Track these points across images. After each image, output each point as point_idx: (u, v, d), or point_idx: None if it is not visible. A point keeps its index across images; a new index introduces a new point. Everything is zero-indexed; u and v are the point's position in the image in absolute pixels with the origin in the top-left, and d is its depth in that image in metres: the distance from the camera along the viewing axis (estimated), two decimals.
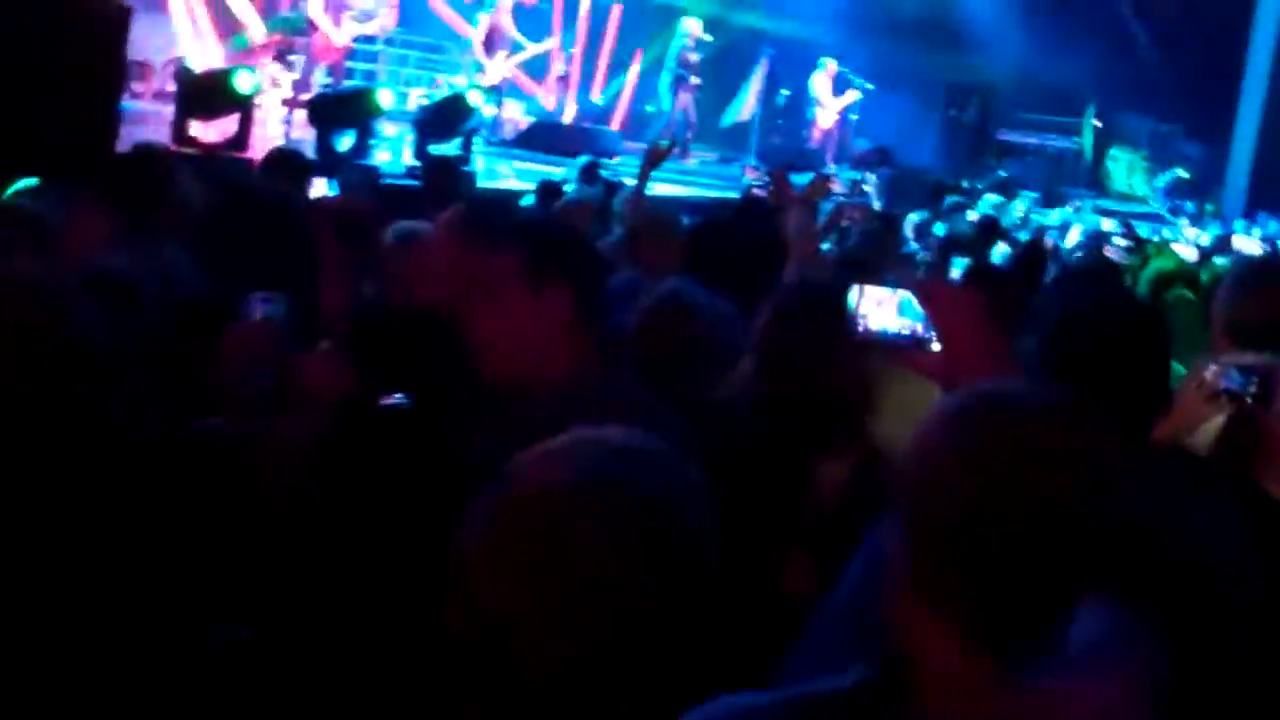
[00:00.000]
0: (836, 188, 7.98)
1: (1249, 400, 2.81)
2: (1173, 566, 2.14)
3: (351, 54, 14.18)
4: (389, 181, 8.96)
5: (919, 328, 2.27)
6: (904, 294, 2.30)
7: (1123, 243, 7.47)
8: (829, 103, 17.55)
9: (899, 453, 1.64)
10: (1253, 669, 2.19)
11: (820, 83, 17.49)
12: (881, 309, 2.32)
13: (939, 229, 9.57)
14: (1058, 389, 1.77)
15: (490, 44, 14.39)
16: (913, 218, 9.86)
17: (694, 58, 15.71)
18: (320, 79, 13.38)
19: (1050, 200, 15.76)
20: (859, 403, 2.80)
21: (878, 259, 5.35)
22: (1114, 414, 2.29)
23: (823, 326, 2.72)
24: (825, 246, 6.51)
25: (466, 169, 9.89)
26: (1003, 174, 16.33)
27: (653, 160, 5.74)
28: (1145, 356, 2.43)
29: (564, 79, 15.87)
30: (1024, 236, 9.23)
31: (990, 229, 8.39)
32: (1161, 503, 2.21)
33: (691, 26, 15.85)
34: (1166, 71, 19.44)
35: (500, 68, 14.56)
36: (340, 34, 13.38)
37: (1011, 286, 4.59)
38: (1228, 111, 18.87)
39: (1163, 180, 18.09)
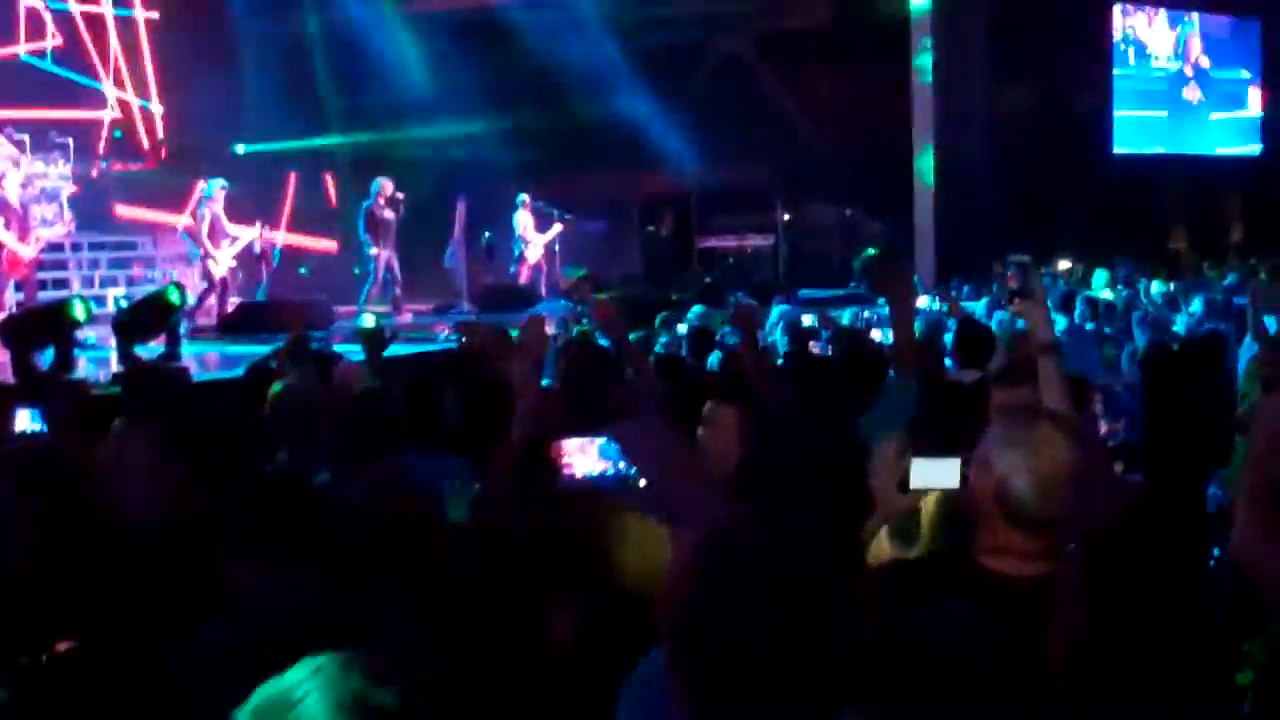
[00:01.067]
0: (551, 329, 8.09)
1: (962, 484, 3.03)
2: (911, 671, 2.27)
3: (40, 265, 13.84)
4: (97, 394, 8.66)
5: (621, 467, 2.37)
6: (602, 439, 2.40)
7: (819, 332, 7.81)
8: (533, 238, 17.91)
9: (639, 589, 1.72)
10: None
11: (522, 219, 17.84)
12: (584, 454, 2.40)
13: (660, 344, 9.78)
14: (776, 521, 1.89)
15: (214, 234, 14.39)
16: (631, 337, 10.07)
17: (387, 214, 15.80)
18: (11, 297, 12.98)
19: (756, 299, 16.35)
20: (577, 549, 2.87)
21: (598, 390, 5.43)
22: (827, 526, 2.43)
23: (530, 486, 2.77)
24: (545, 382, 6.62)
25: (176, 365, 9.67)
26: (708, 280, 16.86)
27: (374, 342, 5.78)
28: (844, 473, 2.55)
29: (260, 257, 15.73)
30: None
31: (701, 339, 8.62)
32: (890, 614, 2.37)
33: (383, 186, 15.96)
34: (841, 159, 20.52)
35: (226, 257, 14.57)
36: (27, 248, 13.05)
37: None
38: (905, 187, 19.92)
39: (858, 261, 18.94)
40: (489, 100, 19.52)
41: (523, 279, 17.81)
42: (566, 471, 2.49)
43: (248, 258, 15.28)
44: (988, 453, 2.78)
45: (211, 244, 14.43)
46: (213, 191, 14.64)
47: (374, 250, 15.84)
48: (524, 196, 17.98)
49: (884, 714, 1.93)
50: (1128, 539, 3.08)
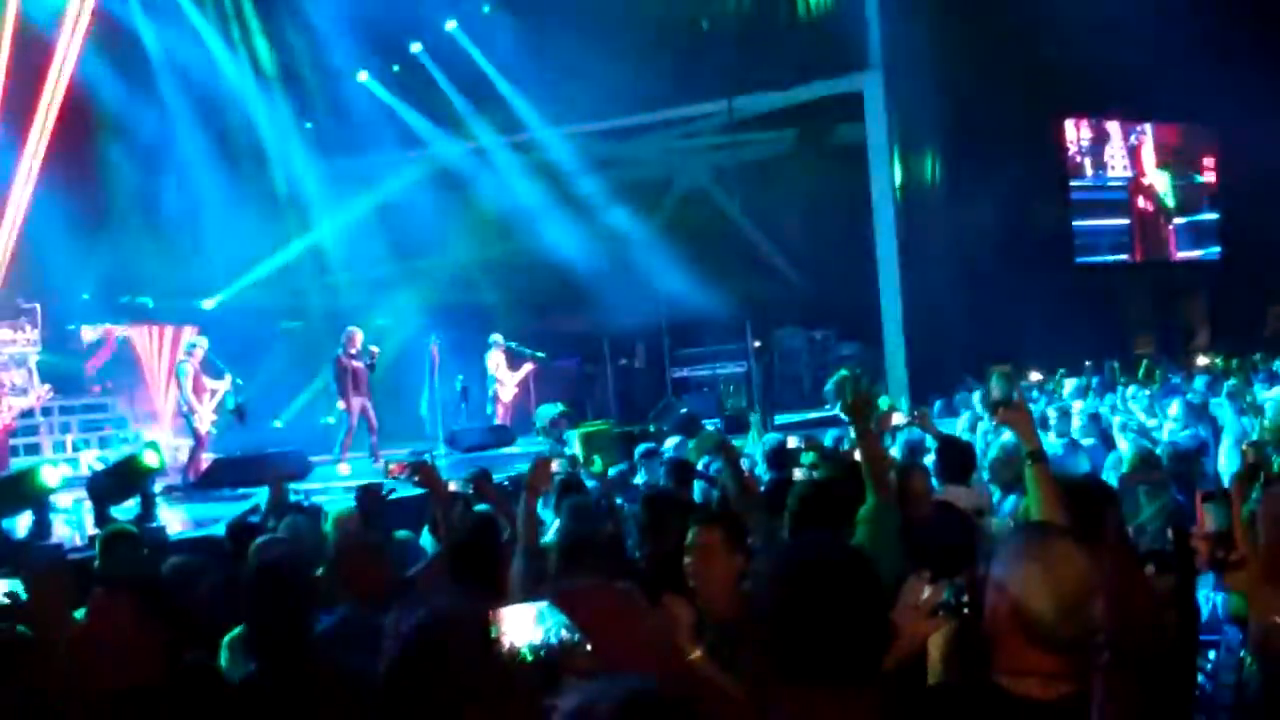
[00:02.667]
0: (556, 467, 8.04)
1: (964, 610, 2.94)
2: None
3: (13, 432, 13.77)
4: (73, 557, 8.53)
5: (563, 633, 2.25)
6: (540, 604, 2.28)
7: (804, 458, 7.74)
8: (506, 378, 17.90)
9: None
10: None
11: (494, 359, 17.83)
12: (519, 623, 2.28)
13: (640, 478, 9.71)
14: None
15: (196, 391, 14.37)
16: (611, 473, 10.00)
17: (356, 364, 15.72)
18: None
19: (732, 426, 16.35)
20: None
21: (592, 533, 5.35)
22: (838, 663, 2.33)
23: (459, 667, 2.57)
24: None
25: (152, 525, 9.58)
26: (684, 410, 16.83)
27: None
28: (857, 605, 2.45)
29: (236, 410, 15.62)
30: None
31: (682, 470, 8.53)
32: None
33: (351, 335, 15.92)
34: (810, 285, 20.70)
35: (207, 412, 14.58)
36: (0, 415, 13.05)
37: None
38: (873, 308, 20.04)
39: (832, 383, 18.96)
40: (458, 243, 19.74)
41: (499, 419, 17.76)
42: (503, 641, 2.36)
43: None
44: (1003, 572, 2.70)
45: (196, 400, 14.36)
46: (193, 348, 14.60)
47: (345, 400, 15.75)
48: (496, 337, 18.01)
49: None
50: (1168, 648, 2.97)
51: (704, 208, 21.40)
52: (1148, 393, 12.59)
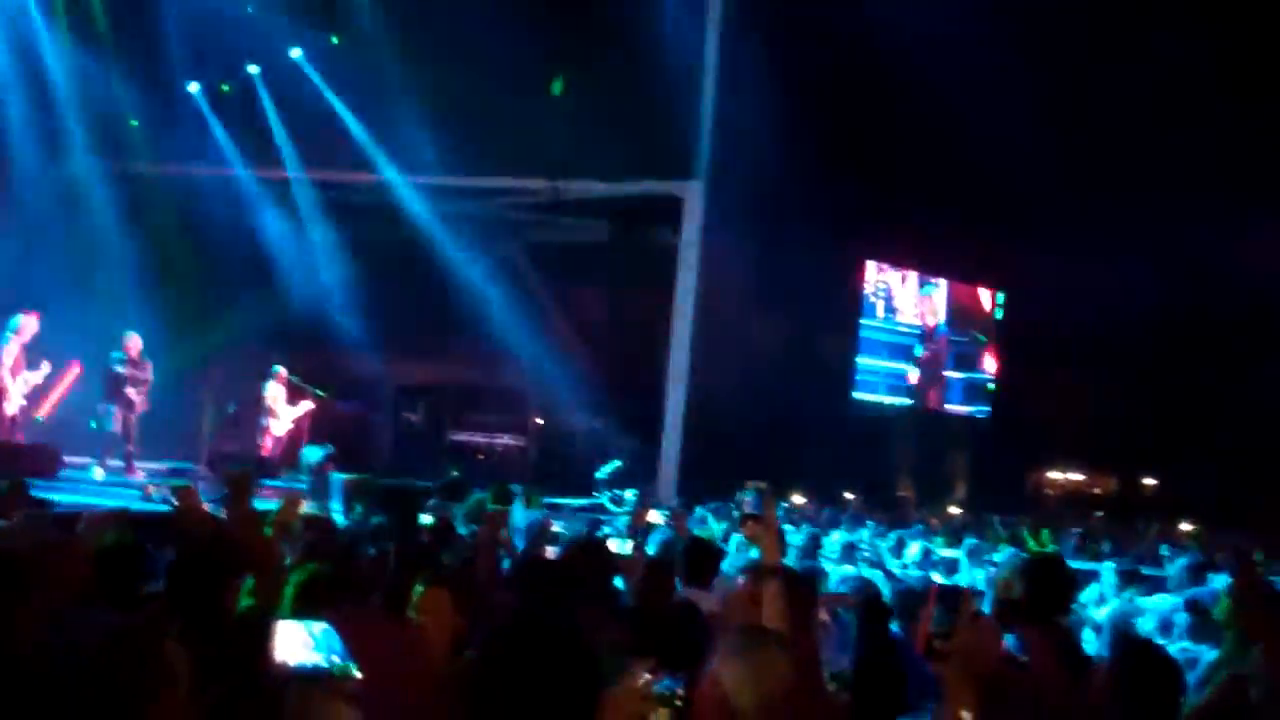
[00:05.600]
0: (303, 507, 8.00)
1: (678, 702, 3.13)
2: None
3: None
4: None
5: (336, 659, 2.32)
6: (320, 626, 2.35)
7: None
8: (282, 411, 17.64)
9: None
10: None
11: (273, 390, 17.58)
12: (298, 643, 2.34)
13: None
14: None
15: (13, 372, 14.23)
16: (372, 522, 9.98)
17: (125, 371, 15.34)
18: None
19: (501, 498, 16.39)
20: None
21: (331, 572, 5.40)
22: None
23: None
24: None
25: None
26: (455, 474, 16.82)
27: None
28: (561, 679, 2.55)
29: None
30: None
31: (443, 531, 8.60)
32: None
33: (129, 341, 15.54)
34: (598, 372, 20.99)
35: (18, 395, 14.43)
36: None
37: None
38: (657, 407, 20.38)
39: (604, 471, 19.18)
40: (252, 267, 19.47)
41: (265, 451, 17.47)
42: (278, 660, 2.42)
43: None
44: (716, 667, 2.90)
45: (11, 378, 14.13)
46: (15, 327, 14.17)
47: (109, 405, 15.34)
48: (279, 368, 17.76)
49: None
50: None
51: (509, 280, 21.52)
52: (895, 533, 13.17)
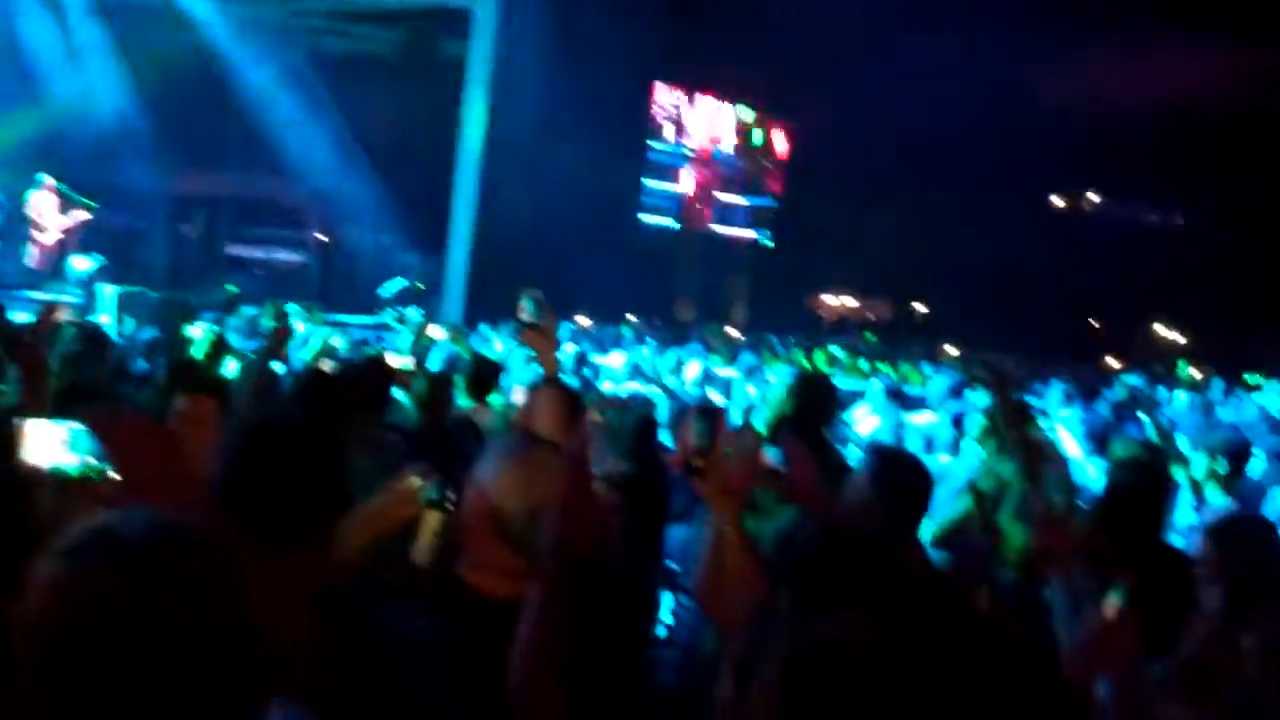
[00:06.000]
0: (63, 316, 7.69)
1: (448, 507, 3.18)
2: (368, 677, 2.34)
3: None
4: None
5: (90, 460, 2.28)
6: (74, 427, 2.30)
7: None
8: (50, 222, 16.84)
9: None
10: None
11: (39, 200, 16.74)
12: (50, 443, 2.29)
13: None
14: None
15: None
16: (144, 336, 9.73)
17: None
18: None
19: (278, 315, 16.09)
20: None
21: (95, 381, 5.28)
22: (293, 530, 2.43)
23: None
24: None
25: None
26: (233, 289, 16.43)
27: None
28: (311, 469, 2.54)
29: None
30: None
31: (217, 347, 8.43)
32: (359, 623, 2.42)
33: None
34: (384, 188, 20.59)
35: None
36: None
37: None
38: (442, 224, 20.15)
39: (389, 289, 18.98)
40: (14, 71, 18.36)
41: (34, 262, 16.69)
42: (28, 459, 2.36)
43: None
44: (483, 472, 2.93)
45: None
46: None
47: None
48: (43, 177, 16.89)
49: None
50: (606, 567, 3.27)
51: (295, 89, 20.79)
52: (674, 352, 13.43)
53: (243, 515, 2.33)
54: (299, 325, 10.30)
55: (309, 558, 2.42)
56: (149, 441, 2.24)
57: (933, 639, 2.10)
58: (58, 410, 3.96)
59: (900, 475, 3.73)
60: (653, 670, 4.64)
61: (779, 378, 8.19)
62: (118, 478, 2.24)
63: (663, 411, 7.56)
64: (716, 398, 9.57)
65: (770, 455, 3.90)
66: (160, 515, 1.66)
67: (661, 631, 4.90)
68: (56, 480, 2.35)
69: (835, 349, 17.30)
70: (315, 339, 9.34)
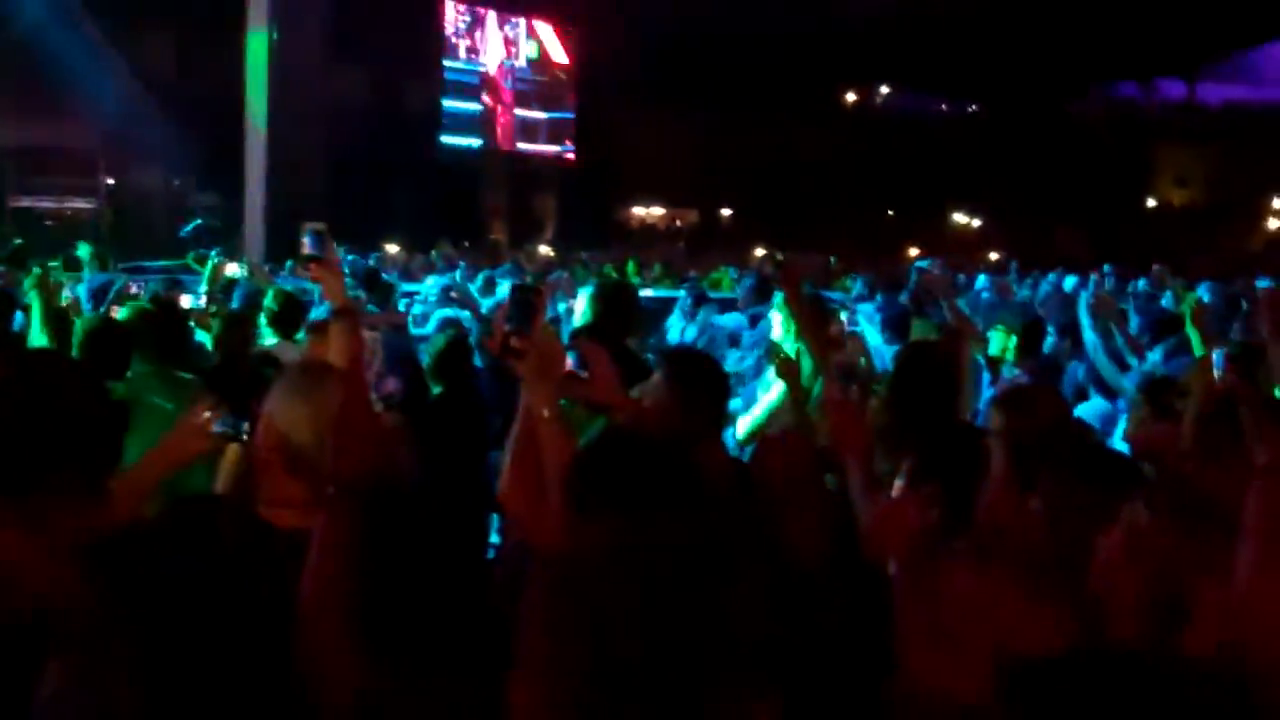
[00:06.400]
0: None
1: (243, 438, 3.14)
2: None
3: None
4: None
5: None
6: None
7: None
8: None
9: None
10: None
11: None
12: None
13: None
14: None
15: None
16: None
17: None
18: None
19: (71, 264, 15.53)
20: None
21: None
22: None
23: None
24: None
25: None
26: (18, 241, 15.76)
27: None
28: (65, 419, 2.51)
29: None
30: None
31: (4, 304, 8.11)
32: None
33: None
34: (172, 127, 19.91)
35: None
36: None
37: None
38: (236, 161, 19.58)
39: (187, 230, 18.42)
40: None
41: None
42: None
43: None
44: (272, 405, 2.90)
45: None
46: None
47: None
48: None
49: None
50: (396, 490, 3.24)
51: (64, 28, 19.88)
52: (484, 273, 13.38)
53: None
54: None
55: (72, 511, 2.37)
56: None
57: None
58: None
59: (694, 374, 3.78)
60: (481, 592, 4.64)
61: (584, 292, 8.25)
62: None
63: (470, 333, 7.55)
64: None
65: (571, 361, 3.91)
66: None
67: (490, 555, 4.90)
68: None
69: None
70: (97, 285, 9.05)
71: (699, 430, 3.59)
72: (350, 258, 14.31)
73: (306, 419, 2.84)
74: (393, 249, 18.52)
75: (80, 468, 2.43)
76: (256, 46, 19.21)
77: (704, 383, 3.74)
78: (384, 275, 12.32)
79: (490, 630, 4.10)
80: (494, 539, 5.03)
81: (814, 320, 4.81)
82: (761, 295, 9.36)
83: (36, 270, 10.25)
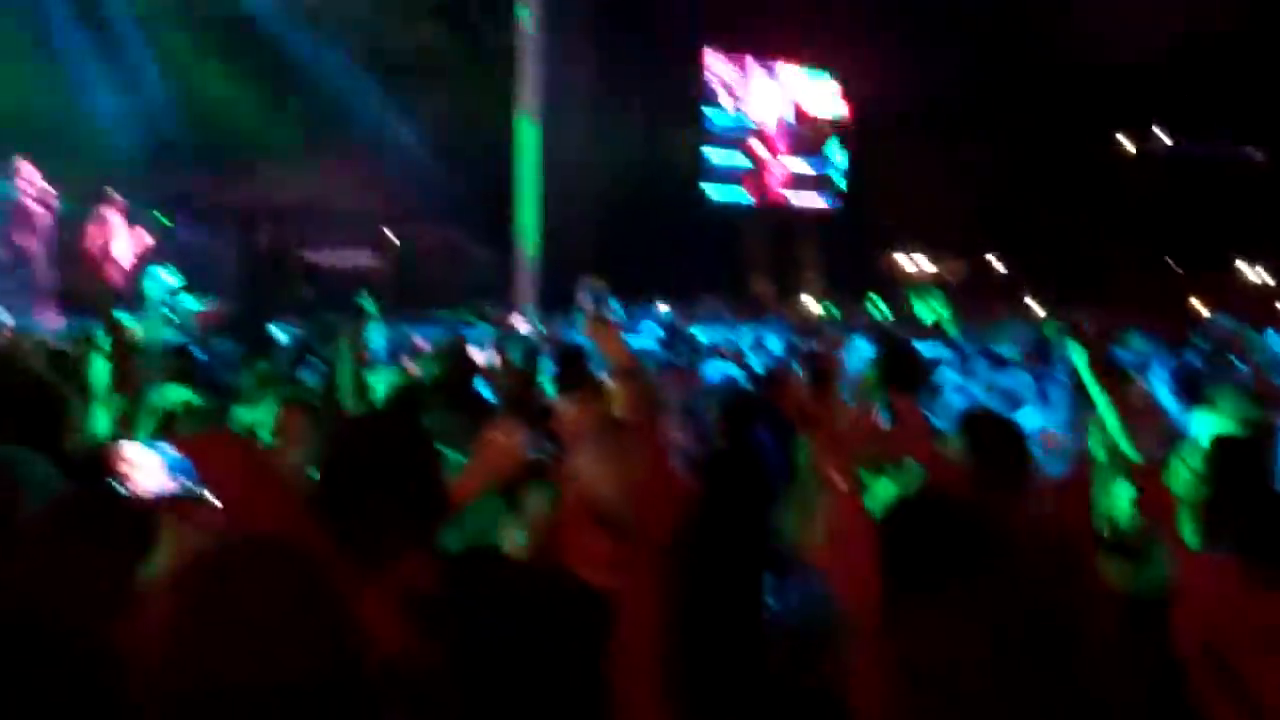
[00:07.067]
0: (142, 334, 7.77)
1: (548, 460, 3.17)
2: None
3: None
4: None
5: (189, 483, 2.29)
6: (171, 450, 2.31)
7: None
8: (120, 239, 17.05)
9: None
10: None
11: (107, 219, 16.95)
12: (149, 468, 2.30)
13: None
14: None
15: None
16: (223, 348, 9.82)
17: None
18: None
19: (356, 317, 16.19)
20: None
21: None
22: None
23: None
24: None
25: None
26: (310, 295, 16.58)
27: None
28: (407, 476, 2.55)
29: None
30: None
31: (301, 350, 8.51)
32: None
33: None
34: (447, 183, 20.65)
35: None
36: None
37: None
38: (509, 217, 20.14)
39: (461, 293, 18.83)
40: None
41: (108, 281, 16.89)
42: (130, 484, 2.37)
43: None
44: (577, 463, 2.92)
45: None
46: None
47: None
48: (112, 192, 17.08)
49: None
50: (692, 548, 3.23)
51: (348, 89, 20.89)
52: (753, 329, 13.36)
53: (342, 527, 2.33)
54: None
55: (409, 565, 2.41)
56: (243, 461, 2.25)
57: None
58: (158, 433, 4.01)
59: (997, 438, 3.67)
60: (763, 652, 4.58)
61: (861, 347, 8.13)
62: (215, 500, 2.25)
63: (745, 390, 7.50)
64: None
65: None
66: (258, 540, 1.65)
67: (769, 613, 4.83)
68: (161, 504, 2.36)
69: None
70: (389, 339, 9.38)
71: (1004, 494, 3.49)
72: (662, 312, 14.60)
73: (609, 475, 2.85)
74: (658, 301, 18.72)
75: (419, 525, 2.48)
76: (525, 101, 19.77)
77: (1008, 447, 3.64)
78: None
79: (775, 686, 4.04)
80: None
81: (1115, 382, 4.62)
82: (1042, 351, 9.09)
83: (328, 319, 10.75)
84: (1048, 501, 3.82)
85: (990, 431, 3.69)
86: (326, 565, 1.67)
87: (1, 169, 15.29)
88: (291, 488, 2.44)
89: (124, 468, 2.35)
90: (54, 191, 15.39)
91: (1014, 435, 3.76)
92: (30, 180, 15.20)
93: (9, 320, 13.12)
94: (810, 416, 2.93)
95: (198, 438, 2.39)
